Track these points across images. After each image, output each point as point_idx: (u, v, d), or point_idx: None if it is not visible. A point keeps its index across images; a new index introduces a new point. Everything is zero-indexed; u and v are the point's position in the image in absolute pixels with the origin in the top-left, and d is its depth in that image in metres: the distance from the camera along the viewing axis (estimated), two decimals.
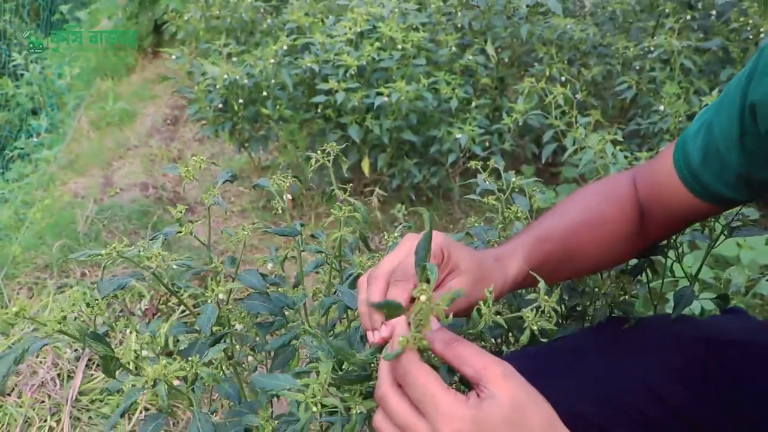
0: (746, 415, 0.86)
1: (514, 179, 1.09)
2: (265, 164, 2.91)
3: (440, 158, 2.46)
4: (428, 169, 2.54)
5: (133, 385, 0.58)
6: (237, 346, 0.93)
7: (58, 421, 1.65)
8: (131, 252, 0.70)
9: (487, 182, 1.07)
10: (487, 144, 2.40)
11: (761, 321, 0.99)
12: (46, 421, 1.64)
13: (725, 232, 1.07)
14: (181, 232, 0.79)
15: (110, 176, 2.92)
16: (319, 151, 0.84)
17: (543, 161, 2.13)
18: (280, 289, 0.87)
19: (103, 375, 1.77)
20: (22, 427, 1.62)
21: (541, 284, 0.66)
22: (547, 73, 2.37)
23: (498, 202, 1.05)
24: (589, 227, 0.85)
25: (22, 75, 3.70)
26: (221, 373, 0.87)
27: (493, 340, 1.11)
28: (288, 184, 0.81)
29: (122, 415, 0.60)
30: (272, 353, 0.84)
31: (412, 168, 2.46)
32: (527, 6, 2.41)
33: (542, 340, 1.05)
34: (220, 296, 0.73)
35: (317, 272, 1.05)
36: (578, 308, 1.09)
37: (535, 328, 0.64)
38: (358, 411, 0.58)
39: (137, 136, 3.32)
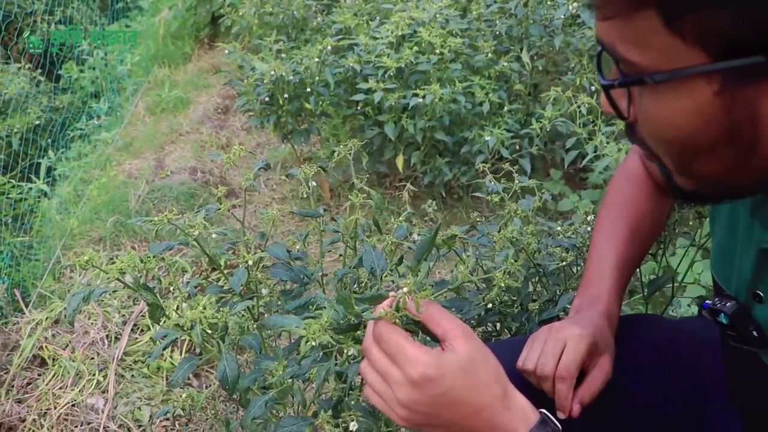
0: (693, 400, 0.97)
1: (517, 182, 1.22)
2: (307, 155, 3.07)
3: (471, 158, 2.58)
4: (459, 168, 2.66)
5: (175, 325, 0.73)
6: (264, 314, 1.08)
7: (104, 377, 1.83)
8: (180, 222, 0.85)
9: (493, 183, 1.20)
10: (518, 147, 2.52)
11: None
12: (94, 375, 1.83)
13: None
14: (220, 209, 0.94)
15: (162, 159, 3.11)
16: (342, 146, 0.98)
17: (566, 166, 2.23)
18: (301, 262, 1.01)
19: (146, 339, 1.95)
20: (74, 379, 1.81)
21: (510, 251, 0.79)
22: (578, 83, 2.47)
23: (502, 202, 1.18)
24: (638, 233, 1.02)
25: (86, 60, 3.94)
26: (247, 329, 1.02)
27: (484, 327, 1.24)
28: (313, 172, 0.95)
29: (165, 349, 0.75)
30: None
31: (444, 166, 2.59)
32: (563, 16, 2.52)
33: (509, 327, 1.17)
34: (250, 263, 0.88)
35: (341, 256, 1.20)
36: None
37: (503, 285, 0.77)
38: (349, 353, 0.72)
39: (189, 122, 3.51)
